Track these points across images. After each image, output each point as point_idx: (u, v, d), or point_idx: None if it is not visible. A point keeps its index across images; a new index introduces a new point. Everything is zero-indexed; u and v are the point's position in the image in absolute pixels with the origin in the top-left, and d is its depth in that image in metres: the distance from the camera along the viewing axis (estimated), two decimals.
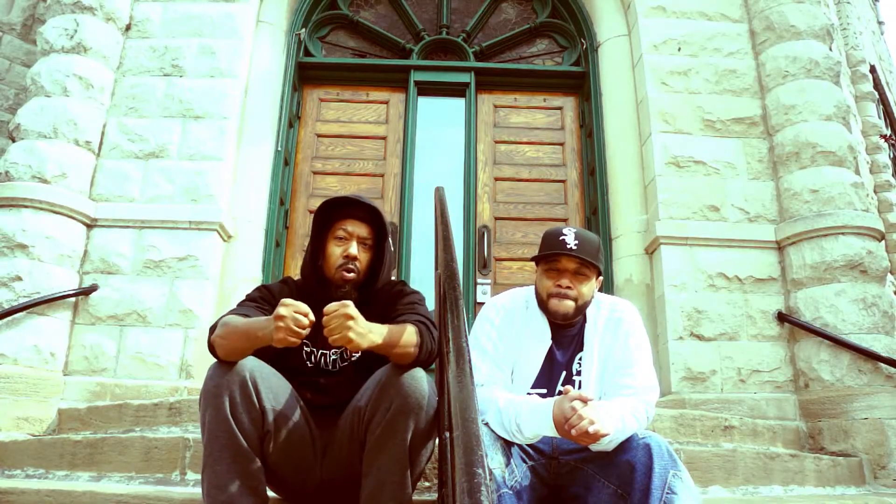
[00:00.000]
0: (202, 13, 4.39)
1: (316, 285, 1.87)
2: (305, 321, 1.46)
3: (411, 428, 1.57)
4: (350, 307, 1.49)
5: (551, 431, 1.57)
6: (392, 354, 1.60)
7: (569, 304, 1.82)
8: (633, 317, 1.91)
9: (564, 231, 1.84)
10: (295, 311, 1.46)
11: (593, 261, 1.81)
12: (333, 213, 1.88)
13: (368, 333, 1.52)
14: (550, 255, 1.83)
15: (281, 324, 1.45)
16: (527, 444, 1.71)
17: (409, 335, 1.61)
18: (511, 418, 1.65)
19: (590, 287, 1.86)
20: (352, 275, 1.82)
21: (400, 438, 1.56)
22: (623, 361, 1.81)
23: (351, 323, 1.47)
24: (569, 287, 1.82)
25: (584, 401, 1.52)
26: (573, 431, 1.47)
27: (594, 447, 1.60)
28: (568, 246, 1.79)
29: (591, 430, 1.45)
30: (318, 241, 1.88)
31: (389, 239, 1.91)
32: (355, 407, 1.67)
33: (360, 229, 1.86)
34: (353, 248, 1.82)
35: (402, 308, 1.80)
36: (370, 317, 1.82)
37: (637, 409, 1.69)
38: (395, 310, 1.81)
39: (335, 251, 1.84)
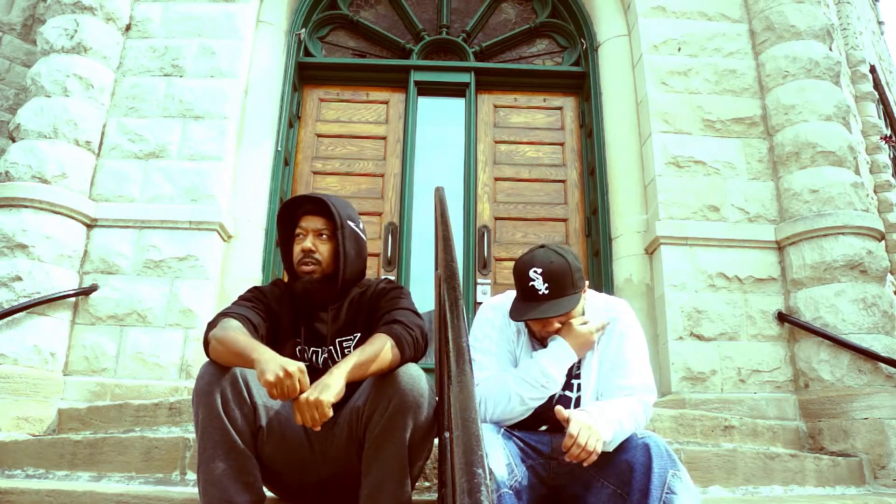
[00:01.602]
0: (202, 13, 4.39)
1: (292, 285, 1.90)
2: (296, 392, 1.46)
3: (410, 426, 1.57)
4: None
5: (574, 356, 1.75)
6: (375, 372, 1.61)
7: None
8: (627, 316, 1.88)
9: (531, 275, 1.72)
10: (300, 379, 1.46)
11: (567, 307, 1.71)
12: (294, 214, 1.93)
13: (338, 379, 1.52)
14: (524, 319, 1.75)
15: (275, 379, 1.43)
16: (526, 445, 1.71)
17: (384, 352, 1.61)
18: (535, 370, 1.70)
19: (577, 311, 1.80)
20: (311, 267, 1.83)
21: (399, 437, 1.57)
22: (619, 362, 1.80)
23: (322, 396, 1.46)
24: (556, 330, 1.78)
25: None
26: (568, 457, 1.52)
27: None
28: (539, 292, 1.70)
29: (587, 460, 1.52)
30: (287, 245, 1.94)
31: (353, 226, 1.89)
32: (354, 406, 1.67)
33: (313, 223, 1.87)
34: (307, 242, 1.85)
35: (384, 304, 1.83)
36: (359, 317, 1.84)
37: (635, 409, 1.68)
38: (378, 308, 1.83)
39: (295, 248, 1.88)
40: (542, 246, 1.82)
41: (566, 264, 1.74)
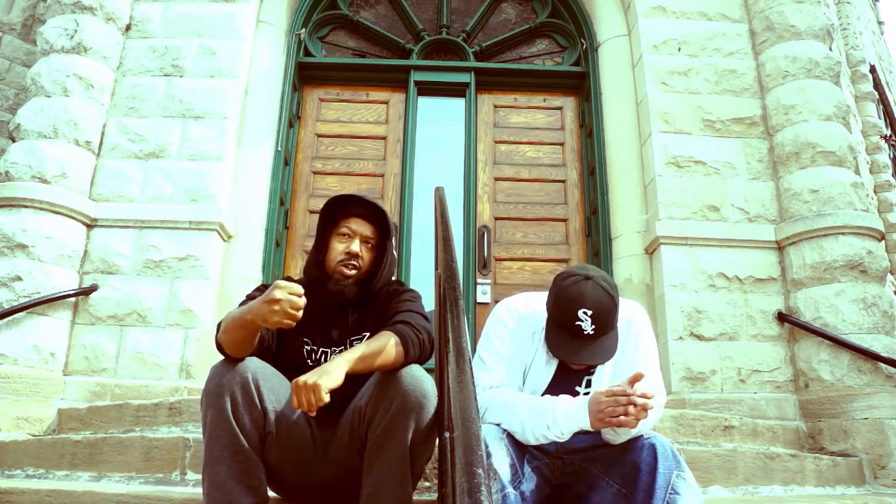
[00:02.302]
0: (202, 13, 4.39)
1: (317, 281, 1.87)
2: (301, 302, 1.46)
3: (412, 427, 1.57)
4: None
5: (586, 425, 1.57)
6: (378, 368, 1.61)
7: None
8: (642, 319, 1.89)
9: (580, 315, 1.64)
10: (290, 293, 1.45)
11: (611, 352, 1.68)
12: (339, 210, 1.89)
13: (339, 366, 1.52)
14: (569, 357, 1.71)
15: (276, 307, 1.45)
16: (531, 446, 1.71)
17: (388, 347, 1.61)
18: (541, 417, 1.62)
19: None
20: (352, 271, 1.83)
21: (400, 437, 1.56)
22: (633, 364, 1.80)
23: (320, 380, 1.47)
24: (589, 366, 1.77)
25: (633, 382, 1.51)
26: (622, 420, 1.50)
27: (612, 437, 1.63)
28: (585, 332, 1.64)
29: (626, 424, 1.51)
30: (322, 237, 1.90)
31: (394, 240, 1.90)
32: (356, 406, 1.67)
33: (363, 228, 1.87)
34: (356, 246, 1.83)
35: (395, 306, 1.82)
36: (369, 318, 1.84)
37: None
38: (389, 308, 1.83)
39: (337, 247, 1.85)
40: (589, 277, 1.69)
41: (613, 303, 1.68)
